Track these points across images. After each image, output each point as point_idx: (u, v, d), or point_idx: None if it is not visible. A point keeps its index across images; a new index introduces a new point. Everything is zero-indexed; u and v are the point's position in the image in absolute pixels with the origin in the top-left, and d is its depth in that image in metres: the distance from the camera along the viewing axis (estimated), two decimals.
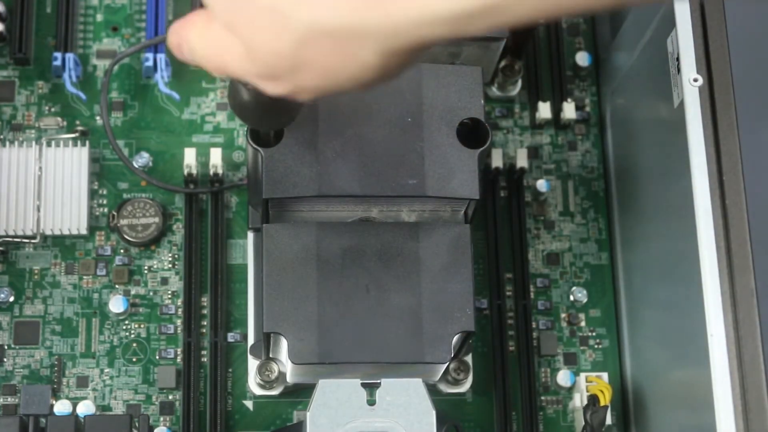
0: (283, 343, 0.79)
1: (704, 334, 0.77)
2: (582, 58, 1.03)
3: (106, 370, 0.93)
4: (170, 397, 0.93)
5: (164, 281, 0.96)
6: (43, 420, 0.87)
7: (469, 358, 0.91)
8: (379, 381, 0.81)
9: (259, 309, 0.90)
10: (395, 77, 0.62)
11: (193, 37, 0.66)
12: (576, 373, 0.94)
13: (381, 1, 0.56)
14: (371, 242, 0.80)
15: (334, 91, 0.62)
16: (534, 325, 0.96)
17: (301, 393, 0.92)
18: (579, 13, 0.55)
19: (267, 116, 0.73)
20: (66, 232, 0.95)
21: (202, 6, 1.02)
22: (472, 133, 0.83)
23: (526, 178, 0.99)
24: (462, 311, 0.79)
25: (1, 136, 0.98)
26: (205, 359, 0.93)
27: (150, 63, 0.99)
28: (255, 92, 0.68)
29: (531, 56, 1.01)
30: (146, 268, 0.96)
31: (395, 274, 0.80)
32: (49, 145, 0.96)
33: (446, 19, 0.55)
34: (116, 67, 1.00)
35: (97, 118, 0.99)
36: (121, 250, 0.96)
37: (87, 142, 0.97)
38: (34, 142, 0.96)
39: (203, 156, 0.98)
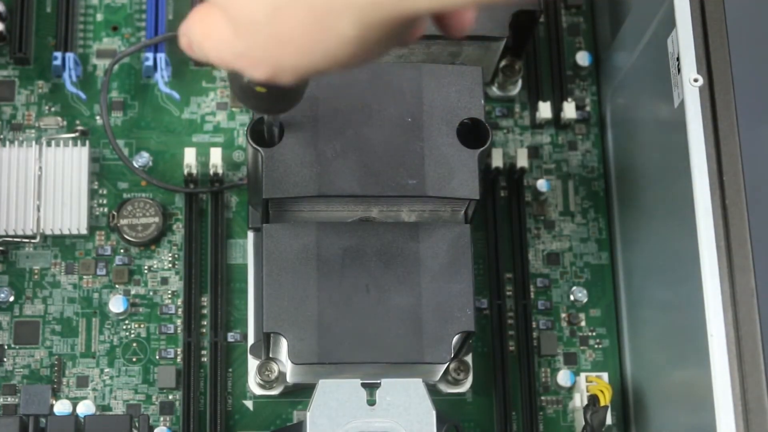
0: (283, 343, 0.79)
1: (704, 334, 0.77)
2: (582, 58, 1.03)
3: (106, 370, 0.93)
4: (170, 397, 0.93)
5: (164, 281, 0.96)
6: (43, 420, 0.87)
7: (469, 358, 0.91)
8: (379, 381, 0.81)
9: (259, 309, 0.90)
10: (374, 58, 0.59)
11: (193, 30, 0.64)
12: (576, 373, 0.94)
13: None
14: (371, 242, 0.80)
15: (313, 71, 0.60)
16: (534, 325, 0.96)
17: (301, 393, 0.92)
18: None
19: (268, 100, 0.71)
20: (66, 232, 0.95)
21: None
22: (472, 133, 0.83)
23: (526, 178, 0.99)
24: (462, 311, 0.79)
25: (1, 136, 0.98)
26: (205, 359, 0.93)
27: (150, 63, 0.99)
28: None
29: (531, 56, 1.01)
30: (146, 268, 0.96)
31: (395, 274, 0.80)
32: (49, 144, 0.96)
33: None
34: (116, 67, 1.00)
35: (97, 117, 0.99)
36: (121, 250, 0.96)
37: (87, 142, 0.97)
38: (34, 142, 0.96)
39: (203, 156, 0.98)
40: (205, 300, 0.95)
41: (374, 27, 0.56)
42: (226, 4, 0.59)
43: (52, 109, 0.99)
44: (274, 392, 0.90)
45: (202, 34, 0.63)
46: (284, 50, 0.58)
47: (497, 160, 0.98)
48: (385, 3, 0.54)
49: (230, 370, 0.94)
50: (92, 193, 0.97)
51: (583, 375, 0.93)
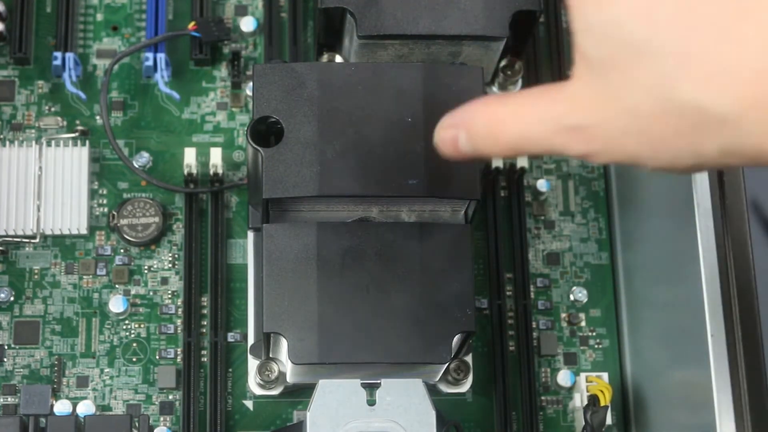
0: (283, 343, 0.79)
1: (704, 334, 0.77)
2: None
3: (106, 370, 0.93)
4: (170, 397, 0.93)
5: (164, 281, 0.96)
6: (43, 420, 0.88)
7: (469, 358, 0.91)
8: (379, 381, 0.81)
9: (259, 309, 0.90)
10: (693, 173, 0.61)
11: (478, 114, 0.64)
12: (576, 373, 0.94)
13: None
14: (371, 242, 0.80)
15: (636, 164, 0.60)
16: (534, 325, 0.96)
17: (301, 393, 0.92)
18: None
19: None
20: (66, 232, 0.95)
21: (202, 6, 1.02)
22: None
23: (526, 178, 0.99)
24: (462, 311, 0.79)
25: (1, 136, 0.98)
26: (205, 359, 0.93)
27: (150, 62, 0.99)
28: None
29: (531, 56, 1.01)
30: (146, 268, 0.96)
31: (395, 274, 0.80)
32: (49, 144, 0.96)
33: None
34: (116, 67, 1.00)
35: (97, 117, 0.99)
36: (121, 250, 0.96)
37: (87, 142, 0.97)
38: (34, 142, 0.96)
39: (203, 156, 0.98)
40: (205, 300, 0.95)
41: (732, 155, 0.57)
42: (611, 80, 0.59)
43: (52, 109, 0.99)
44: (274, 392, 0.90)
45: (507, 113, 0.63)
46: (638, 140, 0.59)
47: (497, 160, 0.98)
48: (761, 145, 0.55)
49: (230, 370, 0.94)
50: (92, 193, 0.97)
51: (583, 375, 0.93)
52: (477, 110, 0.65)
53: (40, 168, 0.95)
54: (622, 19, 0.57)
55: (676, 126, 0.56)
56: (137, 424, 0.88)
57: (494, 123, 0.63)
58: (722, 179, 0.79)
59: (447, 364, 0.83)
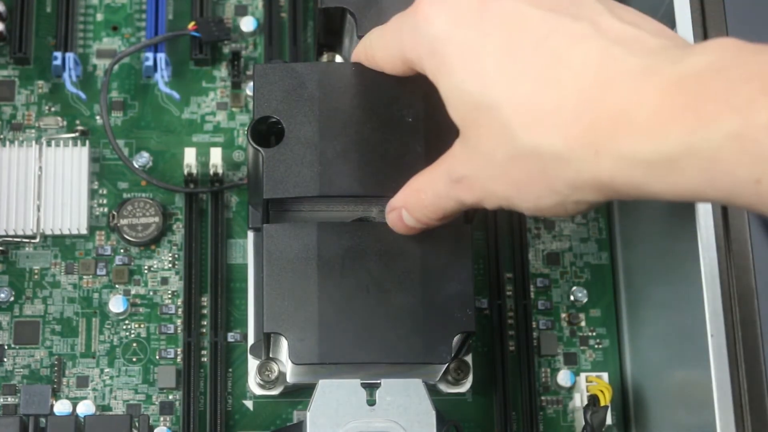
0: (283, 343, 0.79)
1: (704, 334, 0.77)
2: None
3: (106, 370, 0.93)
4: (170, 397, 0.93)
5: (164, 281, 0.96)
6: (43, 420, 0.88)
7: (469, 358, 0.91)
8: (379, 381, 0.81)
9: (259, 309, 0.90)
10: (564, 215, 0.70)
11: (408, 189, 0.76)
12: (576, 373, 0.94)
13: (597, 140, 0.61)
14: (371, 242, 0.80)
15: (513, 207, 0.68)
16: (534, 325, 0.96)
17: (301, 393, 0.92)
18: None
19: None
20: (66, 232, 0.95)
21: (202, 6, 1.02)
22: None
23: None
24: (462, 311, 0.79)
25: (1, 136, 0.98)
26: (205, 359, 0.93)
27: (150, 62, 0.99)
28: None
29: None
30: (146, 267, 0.96)
31: (395, 274, 0.80)
32: (49, 144, 0.96)
33: (645, 161, 0.59)
34: (116, 67, 1.00)
35: (97, 117, 0.99)
36: (121, 250, 0.96)
37: (87, 142, 0.97)
38: (34, 142, 0.96)
39: (203, 156, 0.98)
40: (205, 300, 0.95)
41: (580, 189, 0.64)
42: (469, 136, 0.68)
43: (52, 109, 0.99)
44: (274, 392, 0.90)
45: (422, 182, 0.74)
46: (503, 184, 0.67)
47: None
48: (600, 169, 0.61)
49: (230, 370, 0.94)
50: (92, 193, 0.97)
51: (583, 375, 0.93)
52: (405, 189, 0.76)
53: (40, 168, 0.95)
54: (461, 81, 0.66)
55: (526, 168, 0.64)
56: (137, 424, 0.88)
57: (418, 194, 0.75)
58: None
59: (447, 364, 0.83)
